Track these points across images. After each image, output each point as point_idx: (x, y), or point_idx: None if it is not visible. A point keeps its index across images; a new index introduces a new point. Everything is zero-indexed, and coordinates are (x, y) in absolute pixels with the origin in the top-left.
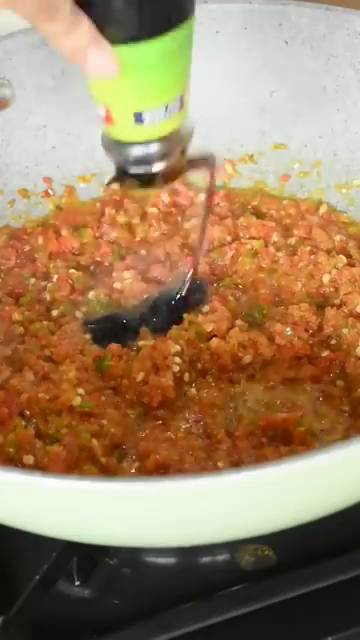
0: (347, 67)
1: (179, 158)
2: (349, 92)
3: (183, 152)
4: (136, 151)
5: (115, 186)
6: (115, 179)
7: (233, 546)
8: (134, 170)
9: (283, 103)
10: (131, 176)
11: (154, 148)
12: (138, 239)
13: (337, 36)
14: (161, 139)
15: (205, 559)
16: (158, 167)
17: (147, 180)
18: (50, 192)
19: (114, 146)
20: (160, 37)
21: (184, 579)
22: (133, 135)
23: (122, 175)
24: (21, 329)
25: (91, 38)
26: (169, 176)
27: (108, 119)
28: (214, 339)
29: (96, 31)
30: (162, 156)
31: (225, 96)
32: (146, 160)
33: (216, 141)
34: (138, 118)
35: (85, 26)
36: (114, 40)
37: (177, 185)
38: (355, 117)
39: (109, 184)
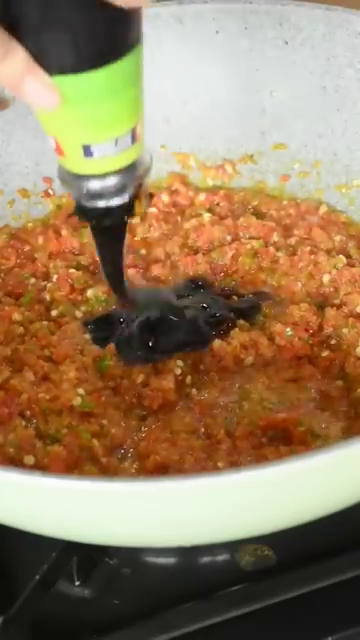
0: (347, 67)
1: (137, 192)
2: (349, 92)
3: (141, 186)
4: (89, 184)
5: (76, 219)
6: (73, 213)
7: (233, 546)
8: (89, 204)
9: (283, 103)
10: (88, 210)
11: (108, 182)
12: (138, 239)
13: (337, 36)
14: (116, 173)
15: (205, 559)
16: (114, 202)
17: (104, 215)
18: (50, 192)
19: (69, 178)
20: (100, 69)
21: (184, 579)
22: (85, 167)
23: (80, 209)
24: (21, 329)
25: (26, 67)
26: (129, 210)
27: (58, 150)
28: (216, 340)
29: (31, 60)
30: (118, 191)
31: (225, 96)
32: (101, 194)
33: (216, 141)
34: (87, 151)
35: (19, 55)
36: (52, 70)
37: (177, 185)
38: (355, 117)
39: (69, 217)
